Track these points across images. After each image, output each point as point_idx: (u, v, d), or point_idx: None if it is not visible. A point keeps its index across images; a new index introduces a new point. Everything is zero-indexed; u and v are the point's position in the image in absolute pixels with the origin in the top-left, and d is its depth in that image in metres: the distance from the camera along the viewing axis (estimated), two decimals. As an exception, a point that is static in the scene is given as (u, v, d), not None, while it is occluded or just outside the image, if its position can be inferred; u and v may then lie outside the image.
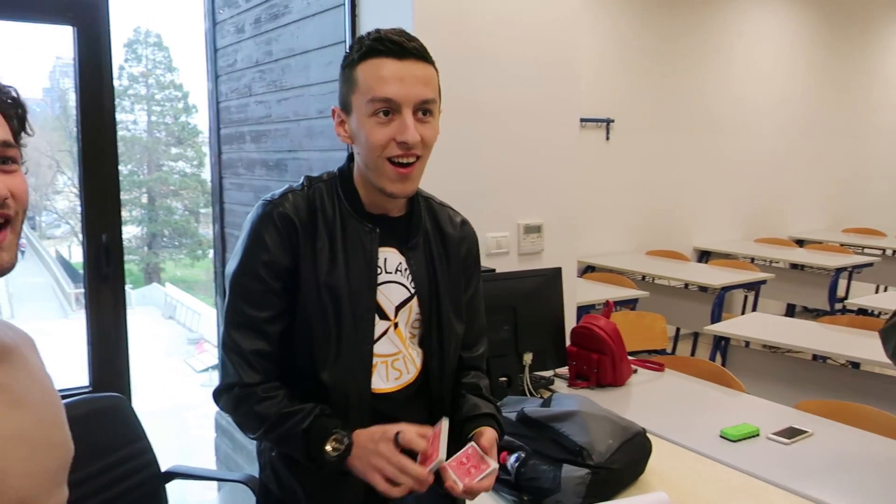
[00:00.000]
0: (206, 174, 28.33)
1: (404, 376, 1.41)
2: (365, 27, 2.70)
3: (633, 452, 1.72)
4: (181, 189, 28.66)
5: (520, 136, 2.75)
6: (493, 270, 2.45)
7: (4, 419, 0.91)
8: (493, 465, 1.30)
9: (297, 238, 1.33)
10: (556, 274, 2.40)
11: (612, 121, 5.34)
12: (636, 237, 5.62)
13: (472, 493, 1.29)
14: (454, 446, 1.34)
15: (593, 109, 5.11)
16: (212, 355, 15.79)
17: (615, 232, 5.47)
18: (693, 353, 4.71)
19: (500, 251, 2.74)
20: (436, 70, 1.34)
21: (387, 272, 1.39)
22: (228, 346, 1.35)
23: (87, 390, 2.46)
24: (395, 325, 1.40)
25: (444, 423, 1.33)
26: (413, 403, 1.42)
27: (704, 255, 5.92)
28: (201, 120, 28.14)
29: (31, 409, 0.95)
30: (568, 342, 2.45)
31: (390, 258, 1.39)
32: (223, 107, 4.08)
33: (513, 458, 1.70)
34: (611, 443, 1.68)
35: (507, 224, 2.76)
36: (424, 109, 1.31)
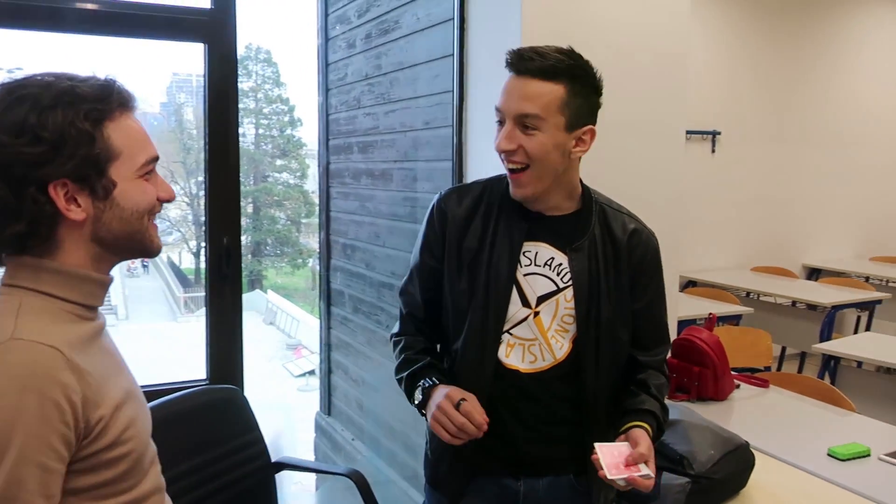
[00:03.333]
0: (309, 185, 29.28)
1: (539, 362, 1.50)
2: (473, 41, 2.77)
3: (735, 464, 1.71)
4: (284, 199, 29.68)
5: (623, 150, 2.75)
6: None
7: (125, 378, 1.11)
8: (646, 471, 1.34)
9: (446, 225, 1.54)
10: (658, 285, 2.39)
11: (719, 133, 5.23)
12: (741, 252, 5.46)
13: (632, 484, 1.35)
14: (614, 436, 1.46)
15: (698, 120, 5.02)
16: (309, 361, 16.26)
17: (719, 246, 5.34)
18: (800, 373, 4.54)
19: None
20: (568, 88, 1.42)
21: (535, 265, 1.49)
22: (401, 303, 1.64)
23: (204, 383, 2.61)
24: (536, 314, 1.49)
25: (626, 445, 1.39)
26: (551, 388, 1.51)
27: (814, 273, 5.69)
28: (305, 133, 29.10)
29: (129, 373, 1.16)
30: (668, 354, 2.43)
31: (542, 252, 1.50)
32: (332, 119, 4.26)
33: (612, 463, 1.71)
34: (712, 453, 1.68)
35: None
36: (525, 124, 1.40)
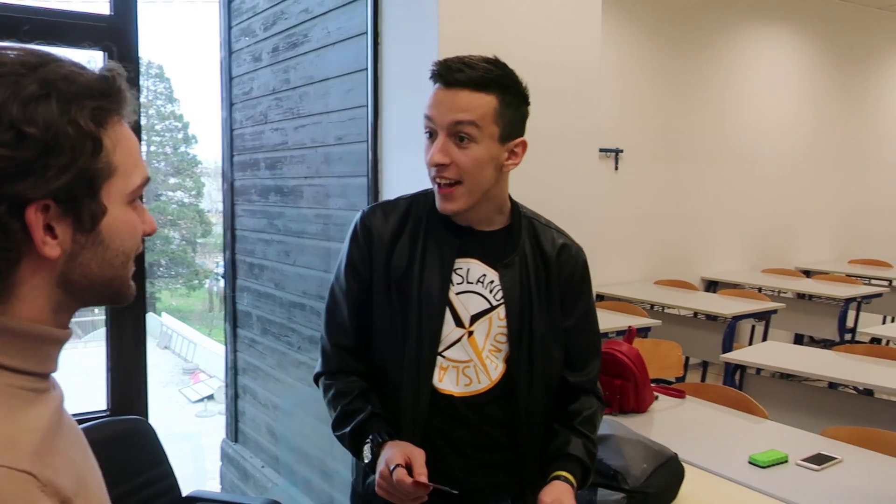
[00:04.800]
0: (204, 203, 28.39)
1: (474, 385, 1.44)
2: (388, 55, 2.73)
3: (667, 477, 1.71)
4: (179, 219, 28.72)
5: (539, 165, 2.76)
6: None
7: (95, 468, 0.84)
8: None
9: (373, 245, 1.45)
10: (578, 299, 2.40)
11: (621, 150, 5.38)
12: (644, 267, 5.63)
13: None
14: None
15: (602, 138, 5.14)
16: (207, 385, 15.68)
17: (623, 261, 5.49)
18: (703, 381, 4.69)
19: (519, 277, 2.73)
20: (500, 99, 1.38)
21: (468, 282, 1.44)
22: (322, 336, 1.53)
23: (105, 414, 2.43)
24: (470, 334, 1.44)
25: None
26: (485, 412, 1.44)
27: (712, 285, 5.93)
28: (201, 150, 28.29)
29: (91, 454, 0.87)
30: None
31: (473, 269, 1.44)
32: (237, 134, 4.11)
33: (546, 482, 1.69)
34: (645, 467, 1.68)
35: (526, 250, 2.76)
36: (460, 134, 1.35)
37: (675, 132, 5.75)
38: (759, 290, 5.44)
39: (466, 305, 1.44)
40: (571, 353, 1.51)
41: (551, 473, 1.40)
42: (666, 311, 4.85)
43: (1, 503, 0.65)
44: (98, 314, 15.21)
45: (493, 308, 1.44)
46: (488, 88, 1.36)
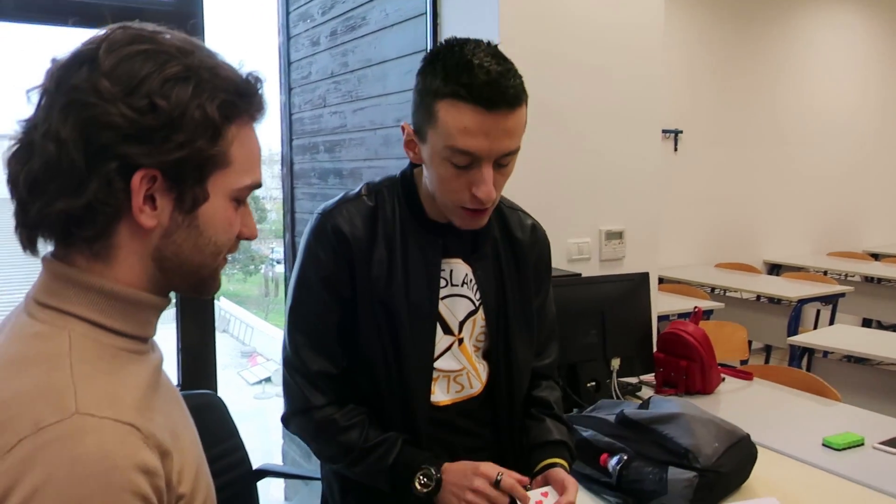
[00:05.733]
0: (259, 191, 28.82)
1: (466, 390, 1.38)
2: (448, 36, 2.71)
3: (739, 457, 1.68)
4: (235, 206, 29.20)
5: (602, 144, 2.74)
6: (580, 275, 2.43)
7: (191, 427, 0.89)
8: None
9: (352, 252, 1.27)
10: (643, 279, 2.37)
11: (681, 132, 5.27)
12: (704, 250, 5.52)
13: None
14: (523, 473, 1.35)
15: (662, 120, 5.05)
16: (264, 368, 15.99)
17: (682, 244, 5.39)
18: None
19: (581, 257, 2.72)
20: (526, 103, 1.21)
21: (452, 285, 1.33)
22: (293, 366, 1.30)
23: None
24: (461, 342, 1.35)
25: (552, 492, 1.30)
26: (476, 415, 1.39)
27: (775, 269, 5.78)
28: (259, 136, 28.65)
29: (188, 414, 0.93)
30: (654, 349, 2.42)
31: (456, 270, 1.34)
32: (296, 118, 4.16)
33: (614, 460, 1.67)
34: (717, 446, 1.65)
35: (588, 230, 2.75)
36: (502, 162, 1.21)
37: (737, 112, 5.61)
38: (825, 273, 5.29)
39: (454, 311, 1.34)
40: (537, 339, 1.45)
41: (542, 461, 1.35)
42: (728, 294, 4.75)
43: (107, 453, 0.68)
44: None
45: (476, 309, 1.36)
46: (522, 99, 1.19)
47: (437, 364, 1.32)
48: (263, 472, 2.15)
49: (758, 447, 1.78)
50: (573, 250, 2.69)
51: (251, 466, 2.14)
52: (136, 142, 0.73)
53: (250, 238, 0.87)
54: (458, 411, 1.37)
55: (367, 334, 1.29)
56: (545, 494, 1.29)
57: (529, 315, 1.41)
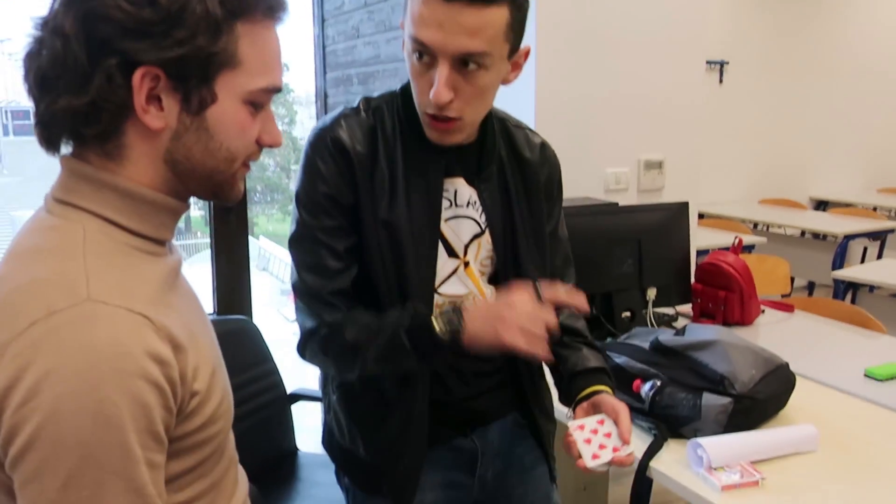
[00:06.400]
0: (297, 131, 28.91)
1: None
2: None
3: (776, 384, 1.64)
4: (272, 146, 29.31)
5: (643, 72, 2.64)
6: (616, 204, 2.37)
7: (209, 330, 0.89)
8: (628, 450, 1.24)
9: (354, 168, 1.18)
10: (682, 208, 2.30)
11: (727, 63, 5.08)
12: (747, 185, 5.37)
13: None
14: (564, 402, 1.34)
15: (706, 50, 4.87)
16: (305, 306, 16.29)
17: (725, 180, 5.25)
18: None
19: (619, 187, 2.65)
20: (512, 9, 1.09)
21: (456, 205, 1.25)
22: (303, 290, 1.22)
23: (211, 316, 2.53)
24: (466, 265, 1.27)
25: (607, 419, 1.27)
26: None
27: (822, 205, 5.62)
28: (292, 78, 28.58)
29: (207, 318, 0.92)
30: (692, 280, 2.36)
31: (461, 190, 1.26)
32: (329, 51, 4.09)
33: (647, 385, 1.65)
34: (753, 373, 1.61)
35: (627, 159, 2.67)
36: (465, 60, 1.09)
37: (785, 44, 5.37)
38: (874, 209, 5.12)
39: (458, 233, 1.25)
40: (551, 264, 1.38)
41: (586, 388, 1.31)
42: (771, 230, 4.63)
43: (119, 339, 0.68)
44: (202, 238, 15.87)
45: (483, 232, 1.28)
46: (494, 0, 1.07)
47: (441, 289, 1.25)
48: (297, 396, 2.18)
49: (797, 376, 1.74)
50: (611, 180, 2.63)
51: (286, 391, 2.16)
52: (135, 37, 0.72)
53: (273, 145, 0.84)
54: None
55: (370, 256, 1.22)
56: (601, 422, 1.26)
57: (541, 239, 1.34)
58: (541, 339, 1.12)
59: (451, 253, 1.26)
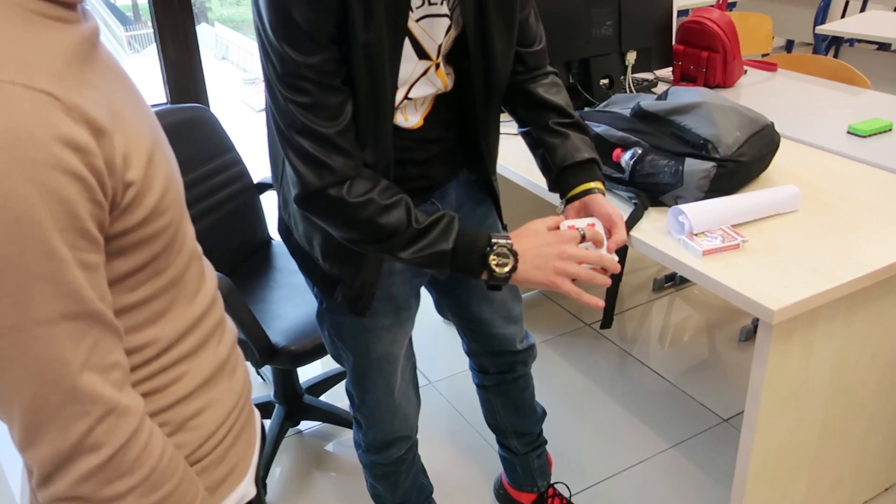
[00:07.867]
0: None
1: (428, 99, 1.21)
2: None
3: (760, 146, 1.59)
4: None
5: None
6: (593, -41, 2.16)
7: (143, 109, 0.75)
8: (614, 257, 1.20)
9: None
10: (665, -39, 2.11)
11: None
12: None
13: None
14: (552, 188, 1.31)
15: None
16: (270, 96, 15.76)
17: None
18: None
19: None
20: None
21: (430, 3, 1.10)
22: (302, 131, 1.06)
23: (164, 105, 2.38)
24: (437, 66, 1.17)
25: (598, 223, 1.24)
26: (438, 116, 1.23)
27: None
28: None
29: (143, 98, 0.78)
30: (674, 42, 2.23)
31: None
32: None
33: (627, 154, 1.59)
34: (738, 135, 1.55)
35: None
36: None
37: None
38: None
39: (431, 32, 1.13)
40: (523, 27, 1.26)
41: (577, 186, 1.26)
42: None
43: (18, 122, 0.55)
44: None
45: (451, 26, 1.15)
46: None
47: (411, 94, 1.16)
48: (265, 186, 2.10)
49: (780, 137, 1.68)
50: (587, -68, 2.39)
51: (252, 180, 2.08)
52: None
53: None
54: (427, 123, 1.22)
55: (356, 89, 1.08)
56: (592, 226, 1.22)
57: (512, 29, 1.20)
58: (595, 278, 1.17)
59: (422, 55, 1.14)
